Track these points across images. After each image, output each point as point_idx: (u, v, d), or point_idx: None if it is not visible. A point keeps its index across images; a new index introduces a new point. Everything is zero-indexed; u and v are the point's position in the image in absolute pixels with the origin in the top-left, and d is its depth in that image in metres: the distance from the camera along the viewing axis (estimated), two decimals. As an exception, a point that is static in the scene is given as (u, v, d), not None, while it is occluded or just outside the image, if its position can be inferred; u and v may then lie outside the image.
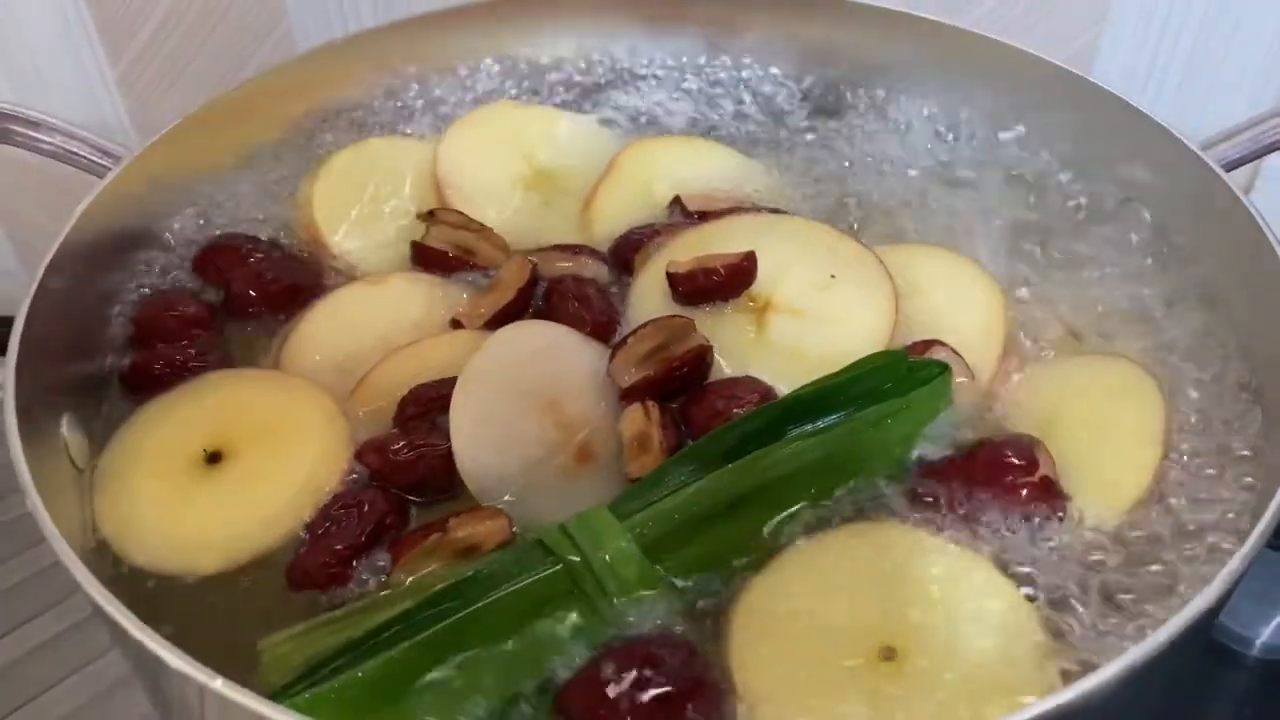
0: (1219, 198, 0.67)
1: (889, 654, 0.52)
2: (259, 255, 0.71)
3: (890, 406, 0.59)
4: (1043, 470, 0.57)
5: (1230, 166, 0.69)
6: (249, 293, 0.69)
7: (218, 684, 0.44)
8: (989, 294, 0.69)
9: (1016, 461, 0.58)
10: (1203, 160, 0.68)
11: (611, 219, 0.75)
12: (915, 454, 0.60)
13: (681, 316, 0.64)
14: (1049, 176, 0.78)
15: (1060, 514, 0.57)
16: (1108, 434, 0.61)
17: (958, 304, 0.68)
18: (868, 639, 0.52)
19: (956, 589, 0.55)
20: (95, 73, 0.99)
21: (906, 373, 0.60)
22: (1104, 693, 0.45)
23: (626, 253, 0.71)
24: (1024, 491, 0.57)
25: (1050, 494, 0.57)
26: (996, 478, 0.57)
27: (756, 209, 0.73)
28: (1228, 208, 0.66)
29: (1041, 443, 0.59)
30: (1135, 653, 0.46)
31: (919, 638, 0.52)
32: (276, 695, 0.49)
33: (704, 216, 0.73)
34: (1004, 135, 0.81)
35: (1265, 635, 0.80)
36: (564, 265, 0.70)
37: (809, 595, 0.54)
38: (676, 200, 0.74)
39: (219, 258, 0.71)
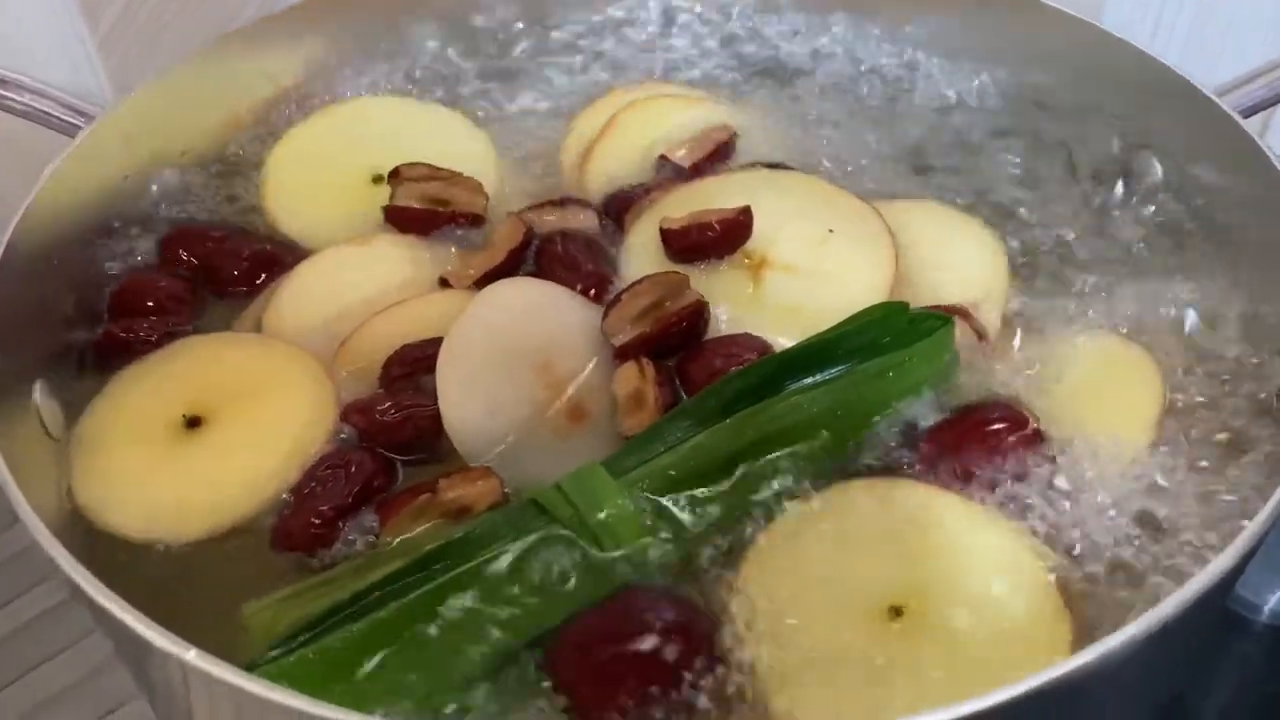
0: (1236, 146, 0.65)
1: (896, 612, 0.51)
2: (221, 234, 0.69)
3: (892, 359, 0.58)
4: (1033, 424, 0.57)
5: (1246, 114, 0.67)
6: (221, 273, 0.68)
7: (190, 655, 0.43)
8: (990, 252, 0.68)
9: (1004, 421, 0.57)
10: (1219, 106, 0.66)
11: (609, 177, 0.73)
12: (912, 413, 0.59)
13: (677, 272, 0.62)
14: (1056, 126, 0.76)
15: (1052, 458, 0.56)
16: (1105, 408, 0.60)
17: (958, 262, 0.67)
18: (875, 596, 0.51)
19: (966, 546, 0.53)
20: (74, 37, 0.97)
21: (908, 325, 0.59)
22: (1122, 655, 0.44)
23: (617, 210, 0.69)
24: (1015, 444, 0.56)
25: (1040, 445, 0.57)
26: (985, 437, 0.57)
27: (753, 164, 0.72)
28: (1245, 156, 0.64)
29: (1025, 406, 0.58)
30: (1152, 616, 0.44)
31: (927, 595, 0.51)
32: (253, 664, 0.48)
33: (696, 169, 0.71)
34: (1009, 84, 0.79)
35: (1273, 602, 0.79)
36: (551, 218, 0.68)
37: (815, 551, 0.53)
38: (663, 158, 0.73)
39: (184, 243, 0.69)
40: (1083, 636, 0.50)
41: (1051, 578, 0.53)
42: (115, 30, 0.96)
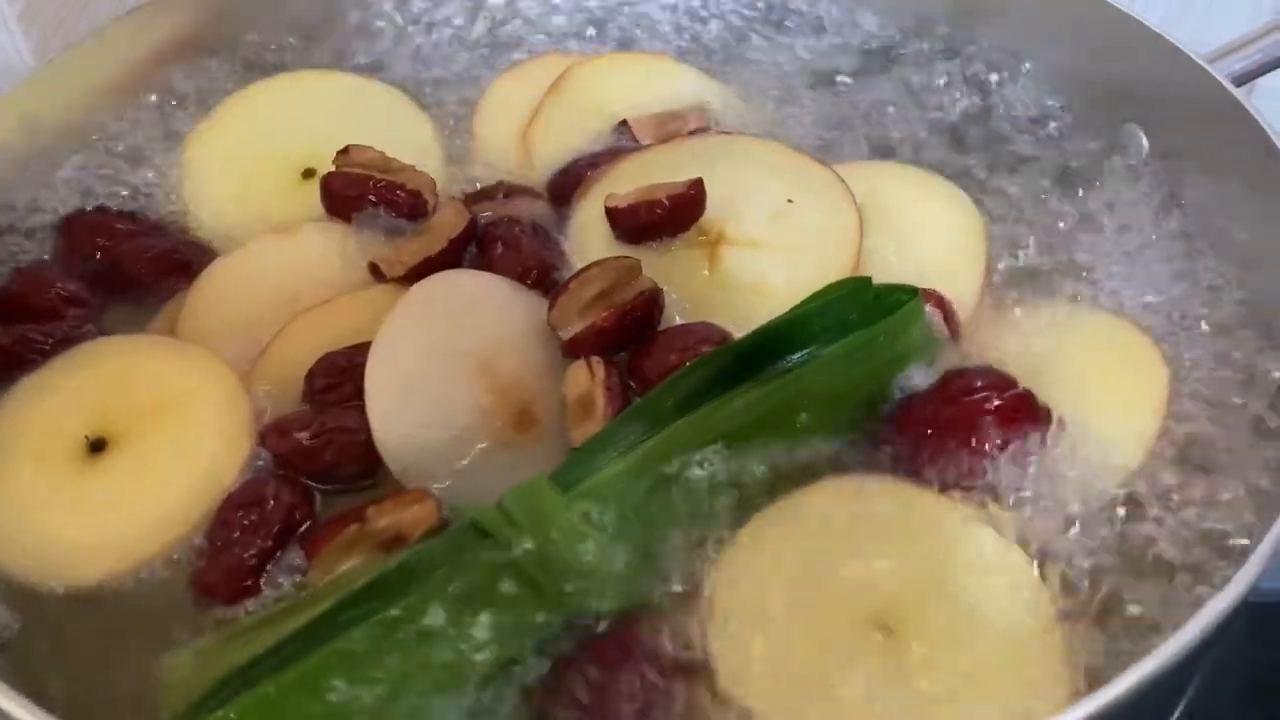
0: (1228, 116, 0.62)
1: (885, 630, 0.48)
2: (129, 227, 0.63)
3: (858, 338, 0.55)
4: (1021, 387, 0.53)
5: (1238, 82, 0.64)
6: (125, 270, 0.62)
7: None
8: (967, 217, 0.65)
9: (989, 383, 0.54)
10: (1210, 75, 0.63)
11: (554, 145, 0.69)
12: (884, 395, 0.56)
13: (628, 256, 0.58)
14: (1034, 95, 0.73)
15: (1047, 427, 0.53)
16: (1106, 393, 0.57)
17: (932, 229, 0.64)
18: (861, 614, 0.48)
19: (950, 553, 0.50)
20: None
21: (873, 301, 0.56)
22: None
23: (567, 188, 0.65)
24: (1004, 409, 0.52)
25: (1034, 409, 0.53)
26: (971, 405, 0.53)
27: (706, 130, 0.68)
28: (1237, 127, 0.61)
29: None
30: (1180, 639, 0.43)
31: (918, 611, 0.48)
32: None
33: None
34: (982, 51, 0.75)
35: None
36: (496, 209, 0.64)
37: (792, 564, 0.50)
38: (624, 124, 0.69)
39: (84, 233, 0.63)
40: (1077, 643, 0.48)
41: (1041, 580, 0.50)
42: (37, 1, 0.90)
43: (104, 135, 0.70)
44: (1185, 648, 0.43)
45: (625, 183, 0.61)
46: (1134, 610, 0.49)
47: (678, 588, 0.50)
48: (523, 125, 0.70)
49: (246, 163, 0.68)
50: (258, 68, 0.74)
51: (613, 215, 0.60)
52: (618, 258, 0.58)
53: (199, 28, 0.74)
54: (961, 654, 0.47)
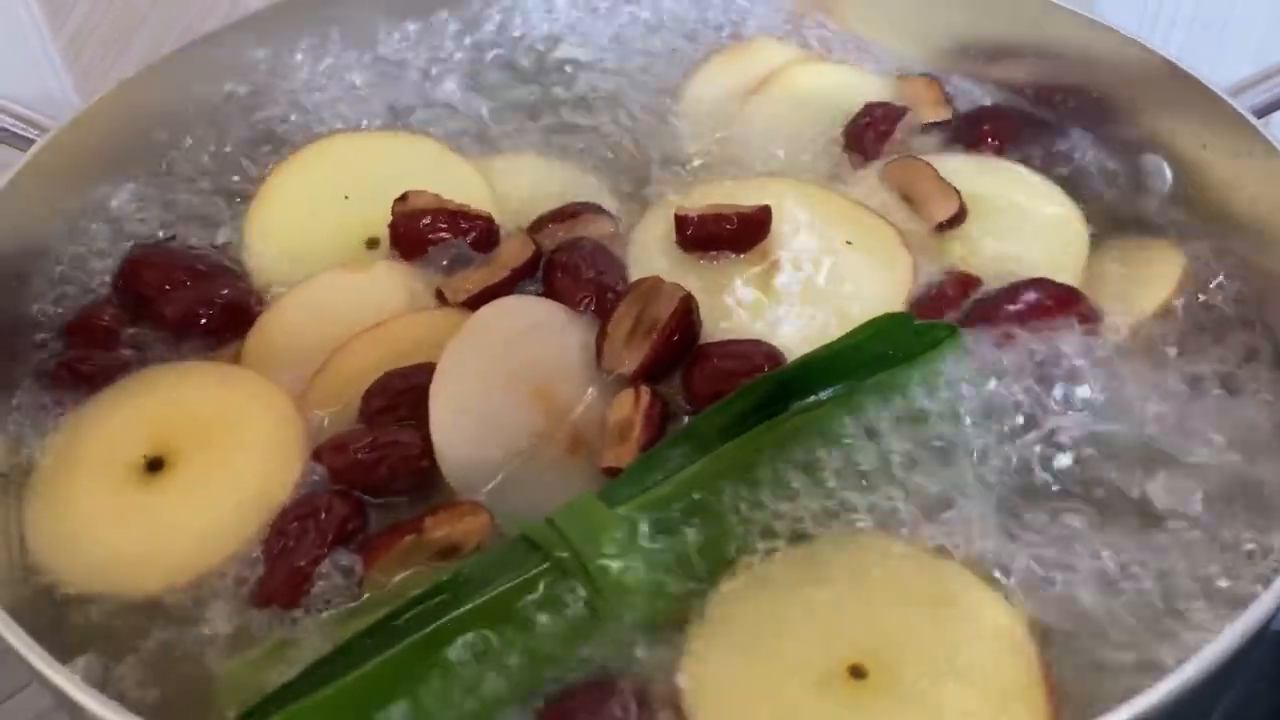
0: (1250, 148, 0.63)
1: (858, 671, 0.47)
2: (189, 275, 0.64)
3: (892, 375, 0.56)
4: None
5: (1259, 114, 0.65)
6: (179, 320, 0.62)
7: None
8: (1066, 209, 0.67)
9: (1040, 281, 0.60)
10: (1232, 107, 0.63)
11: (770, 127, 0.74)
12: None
13: (651, 277, 0.60)
14: (1056, 127, 0.73)
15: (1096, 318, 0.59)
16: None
17: (1034, 222, 0.67)
18: (835, 656, 0.48)
19: (938, 606, 0.50)
20: (37, 45, 0.93)
21: (913, 336, 0.57)
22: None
23: (859, 133, 0.71)
24: (1055, 298, 0.59)
25: (1081, 299, 0.60)
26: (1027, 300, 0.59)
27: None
28: (1261, 158, 0.62)
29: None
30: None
31: (890, 654, 0.48)
32: None
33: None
34: (1007, 82, 0.76)
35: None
36: (561, 231, 0.65)
37: (773, 610, 0.50)
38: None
39: (142, 278, 0.64)
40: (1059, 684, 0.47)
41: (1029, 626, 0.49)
42: (80, 35, 0.93)
43: (157, 172, 0.71)
44: (1177, 691, 0.42)
45: (694, 204, 0.64)
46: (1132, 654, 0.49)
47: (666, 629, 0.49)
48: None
49: (308, 233, 0.67)
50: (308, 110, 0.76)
51: (681, 222, 0.62)
52: (636, 281, 0.60)
53: (249, 66, 0.75)
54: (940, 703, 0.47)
